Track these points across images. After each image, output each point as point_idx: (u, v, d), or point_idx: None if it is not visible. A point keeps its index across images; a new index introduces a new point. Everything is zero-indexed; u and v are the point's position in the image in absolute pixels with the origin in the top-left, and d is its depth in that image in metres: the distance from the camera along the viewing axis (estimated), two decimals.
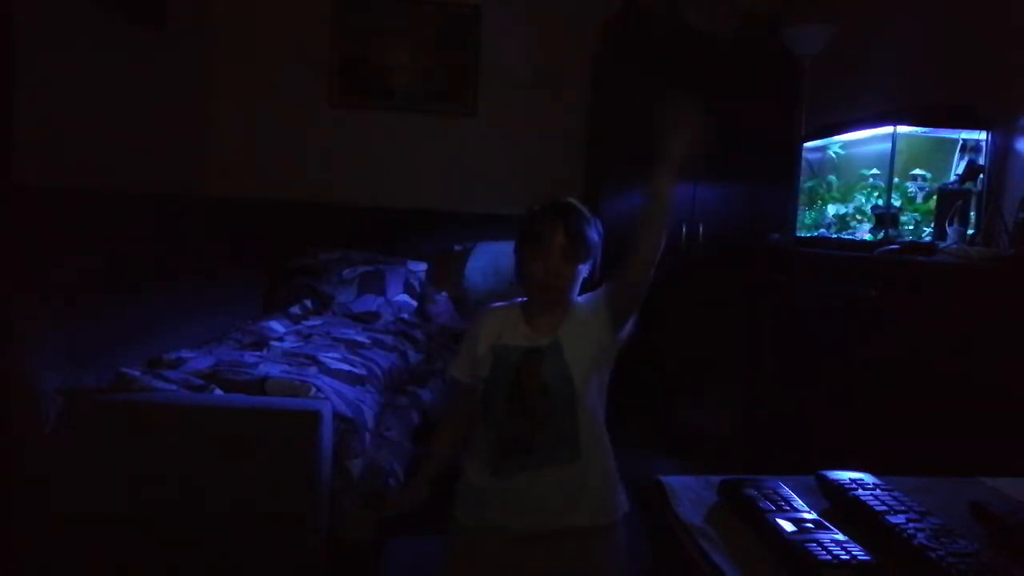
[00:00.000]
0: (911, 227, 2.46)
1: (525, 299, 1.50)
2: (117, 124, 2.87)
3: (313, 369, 2.29)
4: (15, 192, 2.09)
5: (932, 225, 2.35)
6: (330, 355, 2.49)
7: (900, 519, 0.87)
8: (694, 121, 1.32)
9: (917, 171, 2.48)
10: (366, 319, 3.29)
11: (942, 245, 2.16)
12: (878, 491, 0.96)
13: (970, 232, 2.26)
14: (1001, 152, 2.28)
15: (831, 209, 2.87)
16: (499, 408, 1.42)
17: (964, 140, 2.35)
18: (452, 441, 1.57)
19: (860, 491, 0.96)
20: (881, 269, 2.18)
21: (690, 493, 1.01)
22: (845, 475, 1.01)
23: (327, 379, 2.19)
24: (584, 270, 1.46)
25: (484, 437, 1.45)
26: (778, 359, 2.81)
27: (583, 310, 1.48)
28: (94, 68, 2.69)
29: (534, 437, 1.40)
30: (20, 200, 2.07)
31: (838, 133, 2.83)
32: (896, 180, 2.46)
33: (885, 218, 2.44)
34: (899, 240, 2.29)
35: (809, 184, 3.03)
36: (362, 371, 2.43)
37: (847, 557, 0.78)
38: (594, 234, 1.46)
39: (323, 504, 1.91)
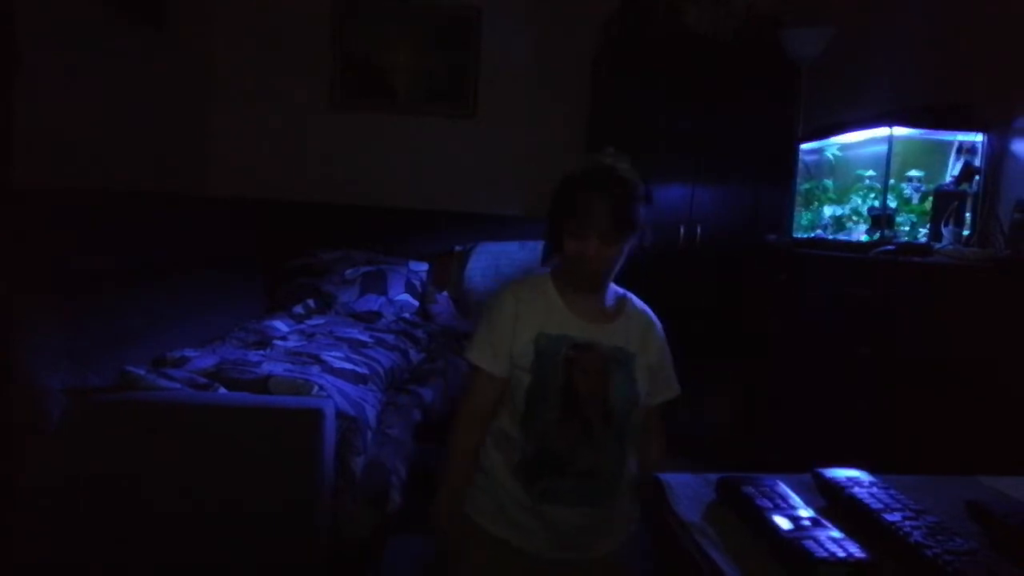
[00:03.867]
0: (907, 228, 2.47)
1: (553, 270, 1.34)
2: (117, 124, 2.87)
3: (316, 368, 2.30)
4: (15, 192, 2.09)
5: (928, 226, 2.36)
6: (333, 354, 2.50)
7: (896, 517, 0.88)
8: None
9: (913, 172, 2.49)
10: (368, 318, 3.30)
11: (938, 246, 2.18)
12: (874, 489, 0.96)
13: (965, 233, 2.27)
14: (997, 154, 2.29)
15: (827, 210, 2.88)
16: (547, 415, 1.27)
17: (960, 142, 2.36)
18: (475, 451, 1.34)
19: (856, 489, 0.96)
20: (877, 270, 2.19)
21: (688, 491, 1.01)
22: (842, 473, 1.02)
23: (330, 378, 2.20)
24: (629, 245, 1.30)
25: (519, 444, 1.30)
26: (775, 359, 2.82)
27: (645, 324, 1.34)
28: (94, 68, 2.69)
29: (578, 453, 1.27)
30: (20, 200, 2.07)
31: (835, 134, 2.84)
32: (892, 181, 2.47)
33: (881, 219, 2.45)
34: (895, 241, 2.30)
35: (806, 186, 3.04)
36: (364, 370, 2.44)
37: (843, 554, 0.78)
38: (644, 210, 1.28)
39: (325, 502, 1.92)
